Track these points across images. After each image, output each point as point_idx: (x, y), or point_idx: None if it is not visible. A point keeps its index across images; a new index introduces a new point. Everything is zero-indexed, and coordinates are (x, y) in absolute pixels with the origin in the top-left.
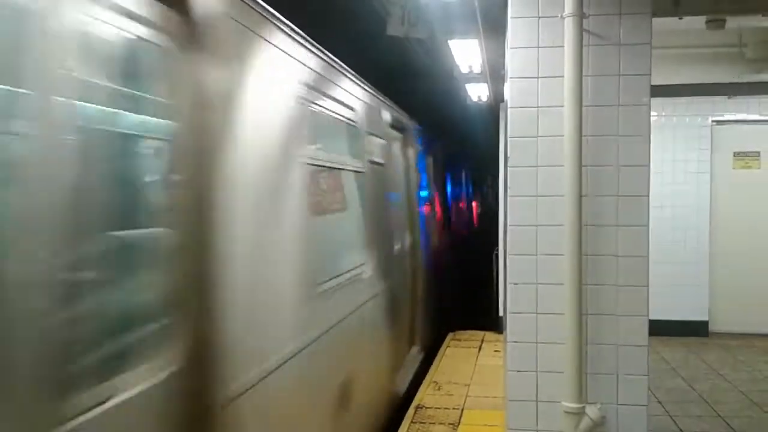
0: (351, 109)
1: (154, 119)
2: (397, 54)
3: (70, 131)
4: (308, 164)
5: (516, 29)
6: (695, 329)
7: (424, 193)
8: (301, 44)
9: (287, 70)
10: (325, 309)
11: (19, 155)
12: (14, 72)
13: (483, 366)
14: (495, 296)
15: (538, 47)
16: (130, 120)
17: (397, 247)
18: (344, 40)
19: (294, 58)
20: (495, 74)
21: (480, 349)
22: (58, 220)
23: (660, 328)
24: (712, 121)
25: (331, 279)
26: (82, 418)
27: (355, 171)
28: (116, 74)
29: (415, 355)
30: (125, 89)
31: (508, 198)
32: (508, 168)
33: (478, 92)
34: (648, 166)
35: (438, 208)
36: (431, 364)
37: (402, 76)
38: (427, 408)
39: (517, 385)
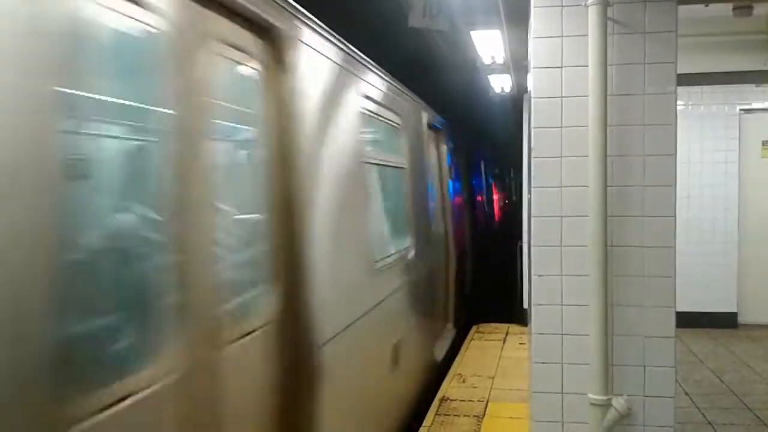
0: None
1: None
2: (419, 46)
3: None
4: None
5: (539, 18)
6: (724, 321)
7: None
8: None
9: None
10: None
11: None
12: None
13: (507, 358)
14: (519, 288)
15: (562, 36)
16: None
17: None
18: (365, 32)
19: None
20: (518, 65)
21: (504, 341)
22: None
23: (688, 320)
24: (740, 109)
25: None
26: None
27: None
28: None
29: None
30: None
31: (532, 189)
32: (532, 159)
33: (501, 83)
34: (674, 155)
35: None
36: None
37: (425, 67)
38: (451, 400)
39: (542, 377)
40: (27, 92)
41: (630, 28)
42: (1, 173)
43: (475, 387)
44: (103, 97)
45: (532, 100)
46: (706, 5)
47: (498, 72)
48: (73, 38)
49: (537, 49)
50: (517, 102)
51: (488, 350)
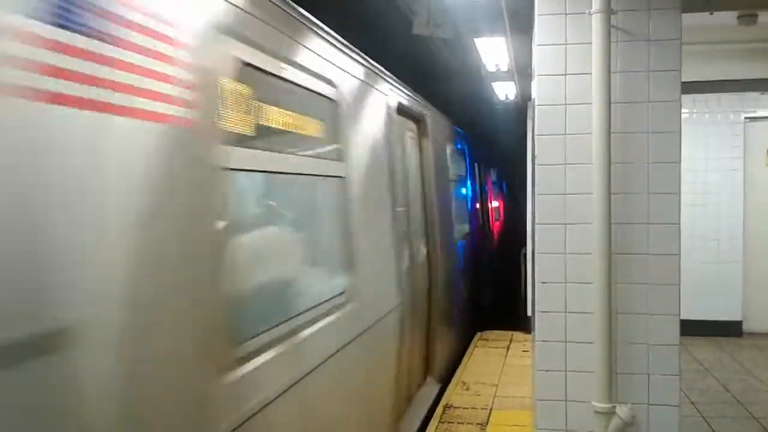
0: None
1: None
2: (424, 53)
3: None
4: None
5: (543, 26)
6: (729, 329)
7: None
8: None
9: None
10: None
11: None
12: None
13: (511, 366)
14: (523, 296)
15: (566, 44)
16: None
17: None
18: (370, 39)
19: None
20: (522, 72)
21: (508, 349)
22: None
23: (693, 328)
24: (745, 117)
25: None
26: None
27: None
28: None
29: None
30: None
31: (536, 196)
32: (536, 166)
33: (505, 90)
34: (679, 163)
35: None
36: (459, 363)
37: (429, 75)
38: (455, 408)
39: (546, 385)
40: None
41: (634, 35)
42: None
43: (479, 394)
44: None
45: (536, 108)
46: (711, 13)
47: (502, 79)
48: None
49: (541, 56)
50: (521, 109)
51: (492, 357)
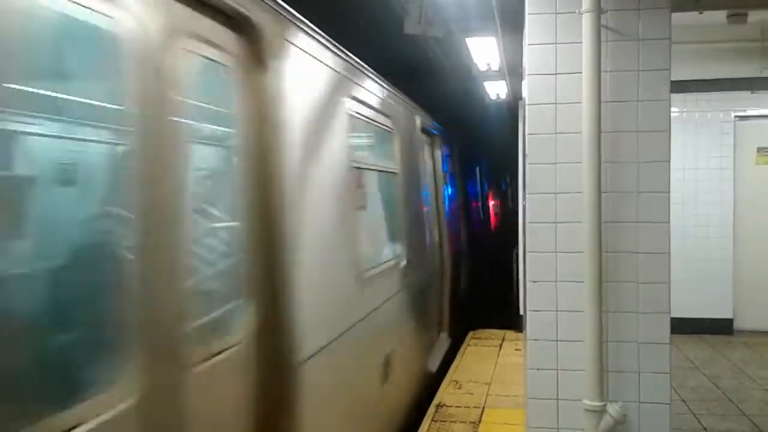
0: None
1: None
2: (414, 52)
3: None
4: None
5: (533, 26)
6: (719, 327)
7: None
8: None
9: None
10: None
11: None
12: None
13: (503, 365)
14: (515, 295)
15: (556, 44)
16: None
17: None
18: (361, 38)
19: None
20: (513, 71)
21: (500, 347)
22: None
23: (684, 326)
24: (735, 116)
25: None
26: None
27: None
28: None
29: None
30: None
31: (527, 195)
32: (527, 165)
33: (496, 90)
34: (668, 162)
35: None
36: (451, 362)
37: (420, 74)
38: (447, 407)
39: (538, 384)
40: None
41: (624, 35)
42: None
43: (471, 393)
44: None
45: (527, 107)
46: (701, 12)
47: (493, 79)
48: None
49: (531, 56)
50: (512, 108)
51: (484, 356)
